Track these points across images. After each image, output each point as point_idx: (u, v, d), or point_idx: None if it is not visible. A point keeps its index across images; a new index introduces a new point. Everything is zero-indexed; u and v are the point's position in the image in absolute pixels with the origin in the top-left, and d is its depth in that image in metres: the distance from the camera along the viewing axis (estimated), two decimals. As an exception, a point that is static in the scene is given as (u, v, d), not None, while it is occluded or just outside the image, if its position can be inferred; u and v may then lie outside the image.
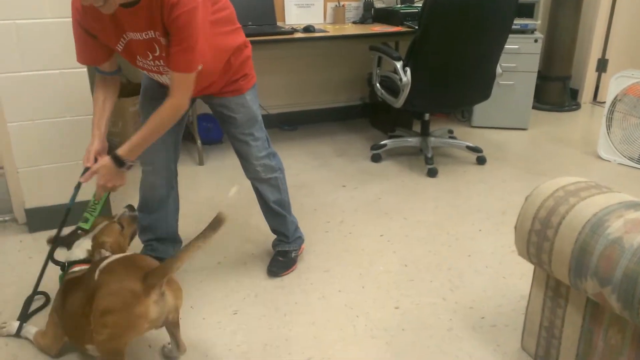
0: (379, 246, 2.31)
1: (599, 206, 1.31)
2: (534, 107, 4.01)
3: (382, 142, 3.25)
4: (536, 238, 1.41)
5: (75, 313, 1.47)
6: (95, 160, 1.71)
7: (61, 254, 1.70)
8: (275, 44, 3.22)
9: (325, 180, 2.98)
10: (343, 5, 3.66)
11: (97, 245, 1.65)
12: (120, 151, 1.65)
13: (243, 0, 3.17)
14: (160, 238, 2.10)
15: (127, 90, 3.15)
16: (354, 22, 3.71)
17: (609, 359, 1.34)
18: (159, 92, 1.72)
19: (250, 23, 3.23)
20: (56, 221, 2.36)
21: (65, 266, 1.64)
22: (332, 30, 3.31)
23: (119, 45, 1.63)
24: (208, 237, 1.39)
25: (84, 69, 2.24)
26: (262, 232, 2.37)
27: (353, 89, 3.99)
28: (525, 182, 2.97)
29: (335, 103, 3.99)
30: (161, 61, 1.61)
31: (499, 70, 3.07)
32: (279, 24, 3.40)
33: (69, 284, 1.55)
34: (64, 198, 2.37)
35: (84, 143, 2.32)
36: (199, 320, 1.83)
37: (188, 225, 2.38)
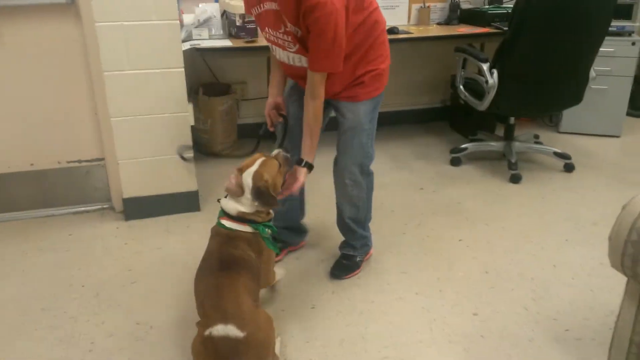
0: (458, 251, 2.28)
1: None
2: (628, 114, 3.78)
3: (463, 146, 3.20)
4: (632, 249, 1.34)
5: None
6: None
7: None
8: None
9: (404, 182, 2.97)
10: (428, 7, 3.62)
11: (258, 179, 1.61)
12: (309, 159, 1.80)
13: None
14: (287, 227, 2.20)
15: (216, 90, 3.30)
16: (439, 24, 3.66)
17: None
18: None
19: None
20: (150, 210, 2.55)
21: None
22: (416, 32, 3.29)
23: (254, 9, 1.72)
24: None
25: (182, 69, 2.38)
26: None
27: (435, 92, 3.94)
28: (618, 192, 2.81)
29: (416, 105, 3.96)
30: (289, 37, 1.66)
31: (592, 74, 2.92)
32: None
33: None
34: (158, 189, 2.53)
35: (179, 138, 2.49)
36: (278, 312, 1.90)
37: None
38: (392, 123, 3.89)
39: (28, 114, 2.44)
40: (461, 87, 3.12)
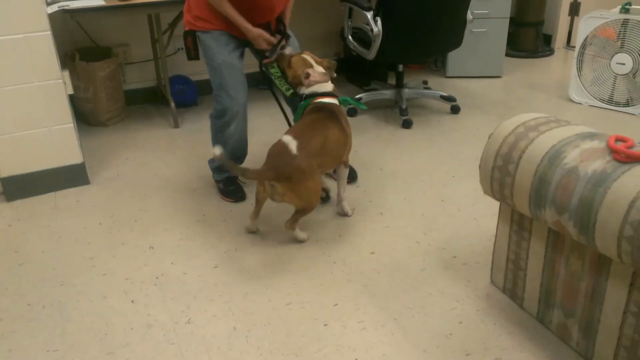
0: (355, 195, 2.36)
1: (556, 138, 1.35)
2: (507, 54, 4.03)
3: (357, 96, 3.26)
4: (499, 174, 1.46)
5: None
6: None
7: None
8: None
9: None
10: (312, -42, 3.59)
11: (324, 64, 2.18)
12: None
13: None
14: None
15: (95, 54, 3.09)
16: (324, -25, 3.64)
17: (571, 284, 1.42)
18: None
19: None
20: (34, 188, 2.38)
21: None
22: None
23: None
24: None
25: (48, 32, 2.19)
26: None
27: (327, 45, 3.96)
28: (498, 128, 3.02)
29: (310, 59, 3.96)
30: None
31: (469, 16, 3.06)
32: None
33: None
34: (40, 165, 2.37)
35: (56, 106, 2.32)
36: (180, 275, 1.88)
37: (171, 187, 2.41)
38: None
39: None
40: (349, 37, 3.16)
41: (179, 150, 2.88)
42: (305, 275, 1.86)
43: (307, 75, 2.09)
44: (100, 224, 2.20)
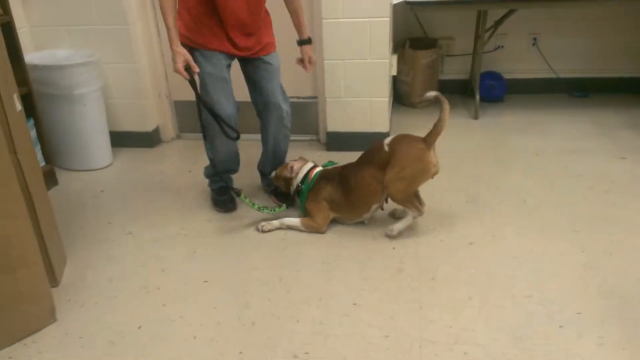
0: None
1: None
2: None
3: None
4: None
5: (364, 185, 2.11)
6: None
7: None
8: (575, 2, 3.08)
9: (602, 150, 2.81)
10: (674, -38, 3.21)
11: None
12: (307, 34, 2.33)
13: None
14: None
15: (423, 44, 3.49)
16: (685, -19, 3.22)
17: None
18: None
19: (553, -19, 3.16)
20: (348, 145, 2.91)
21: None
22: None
23: None
24: (445, 117, 2.05)
25: (388, 19, 2.64)
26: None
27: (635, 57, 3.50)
28: None
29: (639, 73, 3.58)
30: None
31: None
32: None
33: (341, 175, 2.18)
34: (357, 126, 2.88)
35: (379, 82, 2.77)
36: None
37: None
38: (609, 90, 3.60)
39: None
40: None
41: (471, 137, 3.06)
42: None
43: (292, 169, 2.27)
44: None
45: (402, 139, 2.11)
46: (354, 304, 1.79)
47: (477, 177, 2.60)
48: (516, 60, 3.63)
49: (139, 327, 1.75)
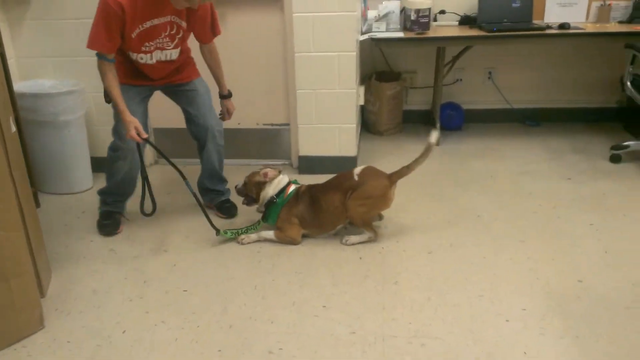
0: (583, 232, 2.39)
1: None
2: None
3: (626, 143, 3.15)
4: None
5: (333, 208, 2.35)
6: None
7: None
8: (526, 40, 3.39)
9: (551, 172, 3.08)
10: (609, 5, 3.58)
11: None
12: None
13: (506, 0, 3.46)
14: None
15: (388, 77, 3.76)
16: (620, 22, 3.59)
17: None
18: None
19: (505, 20, 3.48)
20: (318, 167, 3.11)
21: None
22: (591, 29, 3.31)
23: (139, 27, 2.17)
24: (422, 161, 2.31)
25: (354, 53, 2.89)
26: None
27: (608, 91, 3.84)
28: None
29: (587, 104, 3.90)
30: (175, 36, 2.30)
31: None
32: (535, 21, 3.55)
33: (311, 196, 2.38)
34: (327, 151, 3.09)
35: (347, 110, 3.00)
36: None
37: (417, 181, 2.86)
38: (559, 120, 3.92)
39: (239, 83, 3.18)
40: (628, 83, 3.09)
41: (433, 162, 3.30)
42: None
43: (265, 175, 2.43)
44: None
45: (371, 172, 2.39)
46: (324, 306, 1.96)
47: (437, 196, 2.82)
48: (473, 92, 3.93)
49: (124, 332, 1.87)
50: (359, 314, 1.91)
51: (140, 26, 2.19)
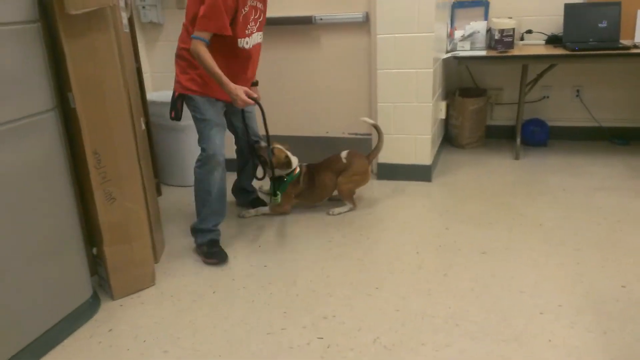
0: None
1: None
2: None
3: None
4: None
5: (324, 185, 2.96)
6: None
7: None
8: (609, 59, 3.43)
9: (627, 189, 3.09)
10: None
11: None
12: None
13: (592, 21, 3.53)
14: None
15: (472, 93, 3.96)
16: None
17: None
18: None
19: (591, 40, 3.54)
20: (394, 175, 3.40)
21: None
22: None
23: (243, 10, 2.32)
24: (382, 141, 3.02)
25: (431, 70, 3.16)
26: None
27: None
28: None
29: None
30: (261, 17, 2.50)
31: None
32: (624, 41, 3.56)
33: (310, 176, 2.99)
34: (404, 159, 3.38)
35: (423, 122, 3.27)
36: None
37: (480, 196, 3.05)
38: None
39: (330, 96, 3.60)
40: None
41: (509, 174, 3.45)
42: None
43: (289, 152, 2.89)
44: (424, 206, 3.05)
45: (355, 155, 3.00)
46: (377, 287, 2.26)
47: (505, 205, 2.98)
48: (560, 109, 3.99)
49: (214, 292, 2.32)
50: (405, 296, 2.18)
51: (244, 9, 2.33)
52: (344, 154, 3.00)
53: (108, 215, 2.20)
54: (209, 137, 2.50)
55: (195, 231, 2.65)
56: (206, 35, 2.26)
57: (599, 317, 1.97)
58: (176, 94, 2.56)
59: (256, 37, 2.52)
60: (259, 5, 2.48)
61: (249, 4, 2.37)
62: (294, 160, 2.96)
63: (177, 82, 2.55)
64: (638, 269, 2.26)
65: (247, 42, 2.44)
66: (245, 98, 2.33)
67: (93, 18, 1.98)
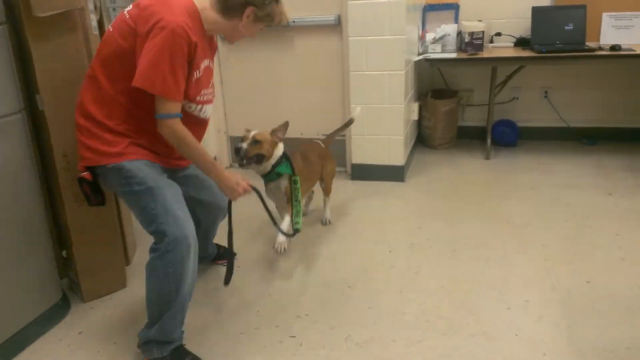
0: (607, 241, 2.52)
1: None
2: None
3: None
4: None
5: (311, 165, 2.69)
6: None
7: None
8: (575, 60, 3.52)
9: (595, 186, 3.18)
10: (671, 26, 3.61)
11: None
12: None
13: (559, 23, 3.62)
14: None
15: (444, 94, 4.02)
16: (680, 43, 3.60)
17: None
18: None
19: (557, 42, 3.63)
20: (368, 175, 3.43)
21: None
22: (644, 50, 3.39)
23: (195, 73, 1.71)
24: (341, 131, 2.97)
25: (403, 72, 3.21)
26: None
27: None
28: None
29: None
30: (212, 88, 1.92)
31: None
32: (590, 43, 3.66)
33: (303, 156, 2.67)
34: (377, 160, 3.42)
35: (396, 123, 3.31)
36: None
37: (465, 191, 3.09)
38: (615, 139, 3.95)
39: (303, 98, 3.61)
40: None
41: (479, 173, 3.51)
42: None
43: (276, 135, 2.31)
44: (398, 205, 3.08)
45: (325, 143, 2.91)
46: (349, 286, 2.28)
47: (475, 203, 3.04)
48: (529, 110, 4.08)
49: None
50: (378, 293, 2.21)
51: (199, 67, 1.75)
52: (316, 141, 2.89)
53: (77, 217, 2.18)
54: (166, 211, 1.69)
55: (150, 343, 1.79)
56: (177, 108, 1.68)
57: (565, 311, 2.02)
58: (83, 173, 1.81)
59: (209, 109, 1.92)
60: (211, 65, 1.90)
61: (207, 62, 1.82)
62: (280, 146, 2.40)
63: (83, 153, 1.79)
64: (603, 265, 2.33)
65: (205, 111, 1.88)
66: (242, 191, 1.87)
67: (61, 20, 1.97)
